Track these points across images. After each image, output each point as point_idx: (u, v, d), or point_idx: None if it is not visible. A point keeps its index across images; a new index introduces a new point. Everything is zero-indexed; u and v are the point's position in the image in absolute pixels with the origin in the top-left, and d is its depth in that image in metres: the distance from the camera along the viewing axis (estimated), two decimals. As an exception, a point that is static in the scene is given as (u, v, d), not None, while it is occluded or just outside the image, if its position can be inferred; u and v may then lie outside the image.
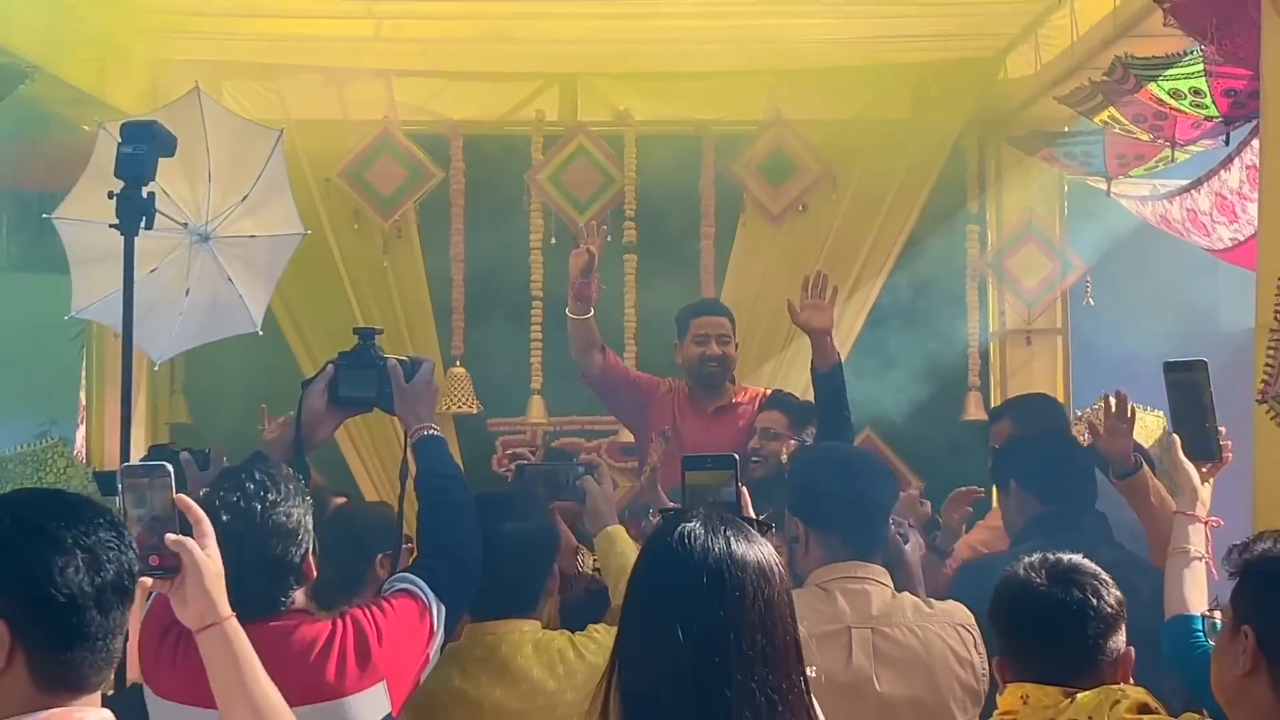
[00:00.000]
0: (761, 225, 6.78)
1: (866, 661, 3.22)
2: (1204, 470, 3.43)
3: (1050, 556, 2.81)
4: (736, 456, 3.08)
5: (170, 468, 2.41)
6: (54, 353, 6.99)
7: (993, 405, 6.53)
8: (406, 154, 6.67)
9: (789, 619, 2.35)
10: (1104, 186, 6.49)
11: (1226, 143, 5.49)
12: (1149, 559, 3.98)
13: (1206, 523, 3.33)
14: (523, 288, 6.75)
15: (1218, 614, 2.65)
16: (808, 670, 2.33)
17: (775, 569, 2.36)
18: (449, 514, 3.26)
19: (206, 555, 2.33)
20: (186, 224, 4.13)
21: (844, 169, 6.72)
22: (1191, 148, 5.73)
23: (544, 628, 3.40)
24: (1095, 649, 2.69)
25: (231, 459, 3.56)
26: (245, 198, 4.16)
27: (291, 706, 2.85)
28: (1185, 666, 3.03)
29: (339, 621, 3.00)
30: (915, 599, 3.49)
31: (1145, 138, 5.62)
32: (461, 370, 6.70)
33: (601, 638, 3.32)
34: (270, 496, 2.96)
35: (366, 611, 3.03)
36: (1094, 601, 2.70)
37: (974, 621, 3.43)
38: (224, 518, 2.91)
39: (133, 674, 3.40)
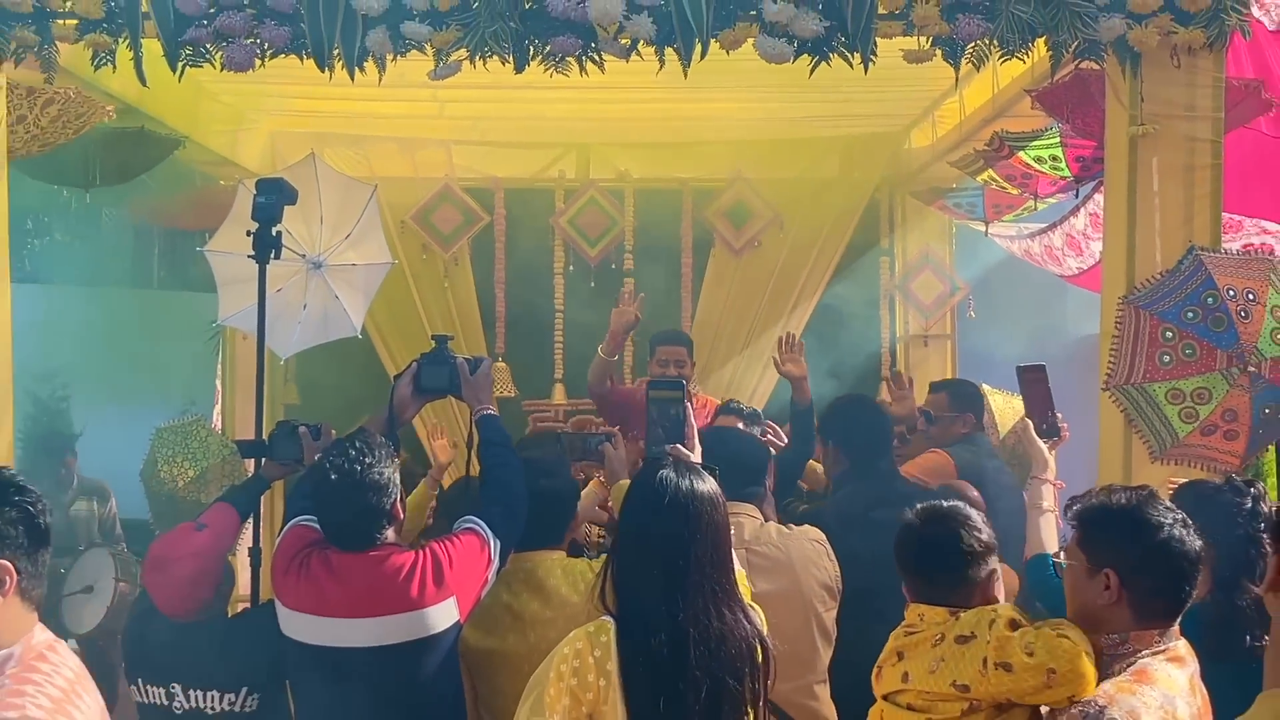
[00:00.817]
0: (727, 258, 6.77)
1: (744, 570, 3.21)
2: (1049, 445, 3.36)
3: (930, 505, 2.76)
4: (684, 381, 3.39)
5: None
6: (192, 352, 6.99)
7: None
8: (462, 203, 6.66)
9: (726, 535, 2.61)
10: (983, 228, 6.52)
11: (1076, 196, 5.55)
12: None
13: (1055, 484, 3.28)
14: (548, 303, 6.76)
15: (1063, 554, 2.59)
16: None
17: (719, 501, 2.61)
18: (503, 473, 3.23)
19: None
20: (305, 255, 4.12)
21: (788, 215, 6.70)
22: (1049, 200, 5.78)
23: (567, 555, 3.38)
24: (965, 577, 2.63)
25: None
26: (349, 235, 4.15)
27: (385, 615, 2.93)
28: (1041, 592, 2.99)
29: (420, 552, 3.00)
30: (780, 525, 3.55)
31: (1015, 192, 5.65)
32: (503, 364, 6.69)
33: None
34: (368, 460, 2.97)
35: (441, 544, 3.02)
36: (962, 536, 2.64)
37: (825, 538, 3.51)
38: (333, 477, 2.95)
39: (264, 593, 3.43)
